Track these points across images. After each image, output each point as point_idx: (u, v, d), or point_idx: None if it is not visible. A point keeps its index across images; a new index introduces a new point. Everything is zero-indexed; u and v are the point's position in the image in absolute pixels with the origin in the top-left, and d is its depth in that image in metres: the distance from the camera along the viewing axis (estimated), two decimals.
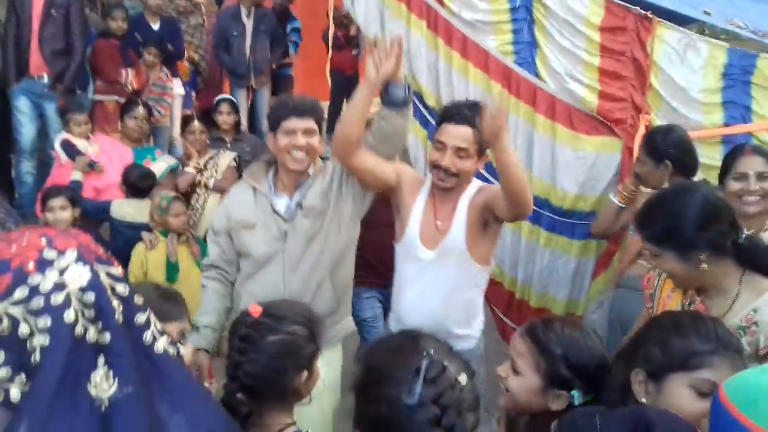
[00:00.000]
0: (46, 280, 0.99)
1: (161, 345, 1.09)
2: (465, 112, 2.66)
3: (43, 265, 0.99)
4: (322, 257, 2.71)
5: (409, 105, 2.69)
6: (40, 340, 0.97)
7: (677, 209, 2.01)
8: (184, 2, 6.75)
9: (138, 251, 4.00)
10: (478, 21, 4.17)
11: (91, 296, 1.00)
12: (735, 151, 2.89)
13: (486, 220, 2.74)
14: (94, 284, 1.01)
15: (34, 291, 0.98)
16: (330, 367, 2.58)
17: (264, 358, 1.65)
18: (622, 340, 3.19)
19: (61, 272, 1.00)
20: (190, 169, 4.70)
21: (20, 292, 0.97)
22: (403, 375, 1.24)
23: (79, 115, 4.81)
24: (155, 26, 6.33)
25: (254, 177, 2.78)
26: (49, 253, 1.01)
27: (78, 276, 1.00)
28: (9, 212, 3.70)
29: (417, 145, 4.40)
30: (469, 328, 2.89)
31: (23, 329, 0.97)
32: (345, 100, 9.21)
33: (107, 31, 5.96)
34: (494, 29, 4.17)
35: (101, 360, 1.01)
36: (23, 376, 0.96)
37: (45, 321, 0.97)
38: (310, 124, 2.65)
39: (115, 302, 1.03)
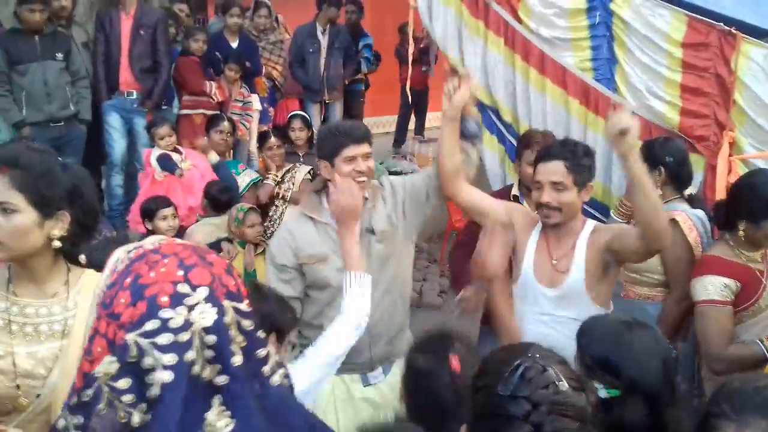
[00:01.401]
0: (177, 318, 1.01)
1: (277, 378, 1.11)
2: (554, 149, 2.74)
3: (176, 300, 1.02)
4: (396, 277, 2.81)
5: (481, 137, 2.88)
6: (164, 376, 0.99)
7: None
8: (263, 20, 6.95)
9: None
10: (556, 38, 4.19)
11: (212, 338, 1.03)
12: (760, 204, 2.73)
13: (607, 263, 2.67)
14: (218, 326, 1.03)
15: (164, 326, 1.01)
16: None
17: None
18: None
19: (190, 309, 1.02)
20: (269, 182, 4.86)
21: (151, 325, 1.01)
22: (504, 369, 1.28)
23: (161, 128, 5.01)
24: (234, 44, 6.54)
25: (310, 209, 2.79)
26: (183, 288, 1.04)
27: (205, 316, 1.03)
28: (103, 222, 3.91)
29: (494, 160, 4.45)
30: None
31: (148, 361, 1.00)
32: (414, 115, 9.36)
33: (188, 49, 6.21)
34: (573, 46, 4.18)
35: (216, 400, 1.03)
36: (144, 405, 1.00)
37: (172, 358, 1.00)
38: (368, 148, 2.70)
39: (240, 338, 1.06)
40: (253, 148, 6.29)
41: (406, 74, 6.29)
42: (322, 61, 6.96)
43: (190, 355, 1.01)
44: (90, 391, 1.00)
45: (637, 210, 2.48)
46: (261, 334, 1.11)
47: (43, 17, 5.14)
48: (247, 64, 6.42)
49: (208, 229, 4.42)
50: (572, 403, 1.26)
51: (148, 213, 4.08)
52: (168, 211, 4.02)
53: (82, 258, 1.85)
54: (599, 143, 4.06)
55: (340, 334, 2.12)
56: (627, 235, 2.61)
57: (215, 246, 4.19)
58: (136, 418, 0.99)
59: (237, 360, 1.05)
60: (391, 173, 7.44)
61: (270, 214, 4.88)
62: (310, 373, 2.01)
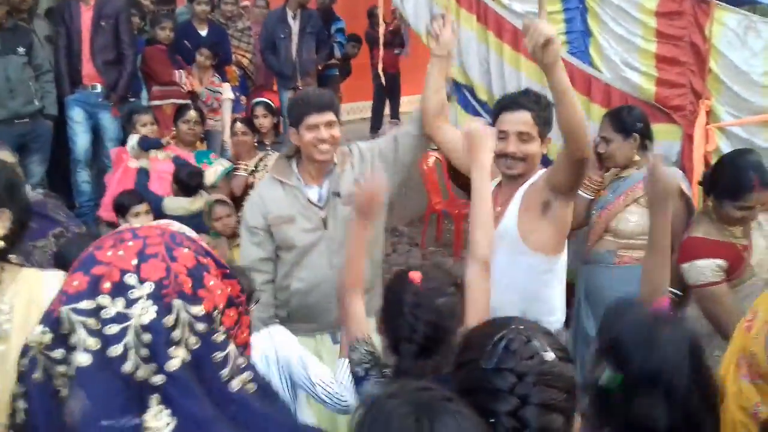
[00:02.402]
0: (112, 308, 0.98)
1: (237, 383, 1.06)
2: (520, 99, 2.71)
3: (117, 290, 0.99)
4: None
5: (451, 99, 2.85)
6: (82, 359, 0.97)
7: None
8: (230, 7, 6.82)
9: None
10: (529, 12, 4.12)
11: (148, 337, 0.98)
12: (742, 180, 2.73)
13: (546, 202, 2.61)
14: (156, 325, 0.99)
15: (97, 311, 0.98)
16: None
17: (437, 318, 1.75)
18: (590, 312, 3.30)
19: (129, 304, 0.98)
20: (241, 173, 4.76)
21: (86, 305, 0.98)
22: (487, 342, 1.26)
23: (145, 115, 4.92)
24: (203, 32, 6.40)
25: (280, 172, 2.90)
26: (131, 279, 1.00)
27: (144, 313, 0.98)
28: (70, 217, 3.79)
29: None
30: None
31: (74, 339, 0.97)
32: (387, 98, 9.27)
33: (154, 39, 6.07)
34: (546, 20, 4.12)
35: (155, 400, 0.98)
36: (65, 379, 0.98)
37: (95, 343, 0.97)
38: (331, 117, 2.77)
39: (193, 339, 1.01)
40: (226, 138, 6.17)
41: (377, 58, 6.21)
42: (294, 46, 6.84)
43: (115, 350, 0.96)
44: (25, 361, 0.99)
45: (563, 121, 2.38)
46: (220, 337, 1.05)
47: (3, 11, 4.98)
48: (218, 52, 6.30)
49: (182, 204, 4.35)
50: (558, 373, 1.24)
51: (121, 209, 3.97)
52: (141, 208, 3.91)
53: (15, 258, 1.76)
54: None
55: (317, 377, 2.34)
56: (555, 161, 2.61)
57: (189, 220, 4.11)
58: (65, 392, 0.97)
59: (175, 363, 0.99)
60: None
61: (244, 204, 4.77)
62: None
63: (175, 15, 6.88)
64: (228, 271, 1.12)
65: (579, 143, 2.40)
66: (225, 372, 1.04)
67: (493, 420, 1.18)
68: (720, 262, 2.79)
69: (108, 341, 0.96)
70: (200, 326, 1.02)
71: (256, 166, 4.81)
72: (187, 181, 4.39)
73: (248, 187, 4.76)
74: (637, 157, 3.28)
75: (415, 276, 1.80)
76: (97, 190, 5.48)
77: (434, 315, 1.74)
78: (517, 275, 2.63)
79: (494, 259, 2.58)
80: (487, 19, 4.19)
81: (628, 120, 3.28)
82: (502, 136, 2.65)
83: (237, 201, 4.73)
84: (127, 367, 0.97)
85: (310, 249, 2.81)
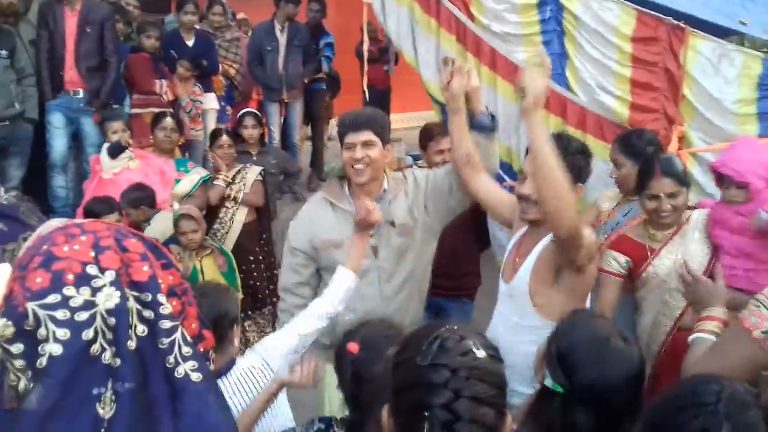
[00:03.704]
0: (79, 297, 1.04)
1: (183, 369, 1.12)
2: None
3: (81, 280, 1.05)
4: (414, 271, 2.83)
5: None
6: (54, 349, 1.01)
7: None
8: (218, 17, 6.84)
9: None
10: (507, 33, 4.18)
11: (113, 320, 1.05)
12: (647, 169, 2.87)
13: (558, 268, 2.39)
14: (120, 310, 1.06)
15: (64, 302, 1.03)
16: None
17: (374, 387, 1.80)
18: None
19: (95, 292, 1.05)
20: (219, 183, 4.74)
21: (52, 299, 1.03)
22: (423, 342, 1.30)
23: (115, 122, 4.87)
24: (190, 42, 6.40)
25: (332, 193, 2.84)
26: (92, 270, 1.06)
27: (109, 298, 1.06)
28: (43, 221, 3.77)
29: None
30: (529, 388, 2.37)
31: (42, 332, 1.01)
32: None
33: (139, 46, 6.07)
34: (524, 41, 4.17)
35: (110, 383, 1.05)
36: (29, 374, 1.01)
37: (65, 333, 1.02)
38: (368, 136, 2.68)
39: (141, 327, 1.08)
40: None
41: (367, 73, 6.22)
42: (281, 59, 6.86)
43: (86, 334, 1.03)
44: None
45: (537, 181, 2.22)
46: (166, 324, 1.12)
47: None
48: (204, 62, 6.31)
49: (163, 226, 4.31)
50: (489, 369, 1.29)
51: (92, 216, 3.96)
52: (112, 217, 3.90)
53: None
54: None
55: (312, 316, 2.37)
56: None
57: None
58: (21, 385, 1.01)
59: (132, 344, 1.07)
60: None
61: (220, 216, 4.76)
62: (279, 343, 2.33)
63: (164, 23, 6.89)
64: (166, 261, 1.19)
65: (554, 219, 2.19)
66: (171, 358, 1.11)
67: (427, 414, 1.23)
68: (621, 257, 2.93)
69: (79, 327, 1.02)
70: (147, 313, 1.09)
71: (233, 178, 4.81)
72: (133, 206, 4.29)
73: (225, 198, 4.75)
74: None
75: (353, 348, 1.87)
76: (76, 196, 5.47)
77: (372, 384, 1.79)
78: (523, 333, 2.44)
79: (506, 307, 2.56)
80: (466, 40, 4.22)
81: (639, 144, 3.23)
82: (522, 178, 2.48)
83: (212, 210, 4.74)
84: (96, 348, 1.04)
85: (360, 278, 2.62)
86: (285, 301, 2.89)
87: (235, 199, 4.75)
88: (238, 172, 4.83)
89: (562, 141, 2.43)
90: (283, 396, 2.35)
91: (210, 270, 4.16)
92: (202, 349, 1.21)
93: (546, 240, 2.41)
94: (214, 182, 4.73)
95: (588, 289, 2.49)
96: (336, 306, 2.41)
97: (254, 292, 4.75)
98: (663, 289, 2.89)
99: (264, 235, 5.04)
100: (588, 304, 2.57)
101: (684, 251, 2.87)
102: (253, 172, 4.84)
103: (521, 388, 2.28)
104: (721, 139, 3.72)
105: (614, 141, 3.44)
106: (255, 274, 4.77)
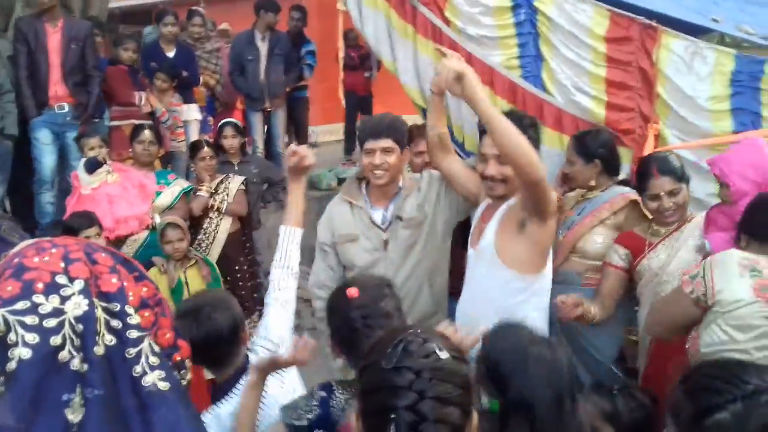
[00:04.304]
0: (48, 305, 1.08)
1: (150, 378, 1.15)
2: None
3: (51, 289, 1.09)
4: (421, 264, 2.96)
5: None
6: (23, 353, 1.05)
7: None
8: (197, 29, 6.85)
9: (151, 276, 4.05)
10: (483, 36, 4.19)
11: (81, 327, 1.09)
12: (644, 171, 3.03)
13: (522, 221, 2.63)
14: (88, 317, 1.10)
15: (33, 309, 1.07)
16: None
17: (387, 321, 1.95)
18: (557, 332, 3.30)
19: (63, 300, 1.09)
20: (203, 193, 4.74)
21: (21, 305, 1.07)
22: (388, 346, 1.33)
23: (91, 139, 4.89)
24: (170, 53, 6.42)
25: (349, 193, 3.06)
26: (61, 279, 1.11)
27: (77, 306, 1.10)
28: (25, 239, 3.76)
29: None
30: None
31: (12, 336, 1.05)
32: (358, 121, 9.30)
33: (117, 59, 6.07)
34: (500, 44, 4.18)
35: (79, 388, 1.08)
36: (2, 378, 1.04)
37: (34, 337, 1.06)
38: (387, 143, 2.86)
39: (108, 337, 1.12)
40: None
41: (345, 79, 6.24)
42: (262, 68, 6.87)
43: (54, 340, 1.07)
44: None
45: (499, 148, 2.48)
46: (133, 333, 1.15)
47: None
48: (184, 73, 6.32)
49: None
50: (452, 370, 1.31)
51: (71, 231, 3.95)
52: (91, 231, 3.90)
53: None
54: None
55: (287, 281, 2.46)
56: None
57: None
58: None
59: (99, 351, 1.11)
60: (340, 180, 7.39)
61: (204, 226, 4.77)
62: (277, 319, 2.40)
63: (143, 35, 6.89)
64: (138, 274, 1.24)
65: (522, 167, 2.43)
66: (138, 368, 1.15)
67: (393, 416, 1.25)
68: (622, 250, 3.12)
69: (48, 333, 1.06)
70: (115, 323, 1.14)
71: (216, 189, 4.82)
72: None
73: (209, 209, 4.76)
74: (593, 182, 3.40)
75: (353, 292, 1.96)
76: (58, 211, 5.45)
77: (384, 319, 1.93)
78: (492, 290, 2.69)
79: (475, 271, 2.78)
80: (442, 44, 4.21)
81: (592, 145, 3.38)
82: (483, 158, 2.74)
83: (196, 221, 4.74)
84: (64, 355, 1.07)
85: (370, 269, 2.91)
86: (321, 298, 2.94)
87: (218, 209, 4.76)
88: (221, 182, 4.84)
89: (514, 117, 2.60)
90: (294, 373, 2.38)
91: (195, 281, 4.17)
92: (178, 358, 1.25)
93: (510, 202, 2.71)
94: (197, 193, 4.74)
95: (549, 243, 2.72)
96: (296, 263, 2.49)
97: (240, 301, 4.70)
98: (655, 282, 2.99)
99: (248, 245, 5.05)
100: (549, 267, 2.77)
101: (676, 253, 2.97)
102: (236, 182, 4.86)
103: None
104: (697, 135, 3.76)
105: (570, 138, 3.58)
106: (240, 283, 4.79)
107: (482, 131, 2.72)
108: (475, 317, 2.55)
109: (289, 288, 2.46)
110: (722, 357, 2.02)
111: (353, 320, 1.94)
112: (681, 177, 2.96)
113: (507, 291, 2.67)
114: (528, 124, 2.70)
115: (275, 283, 2.46)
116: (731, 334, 2.24)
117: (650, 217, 3.13)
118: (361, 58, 8.39)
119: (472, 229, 2.91)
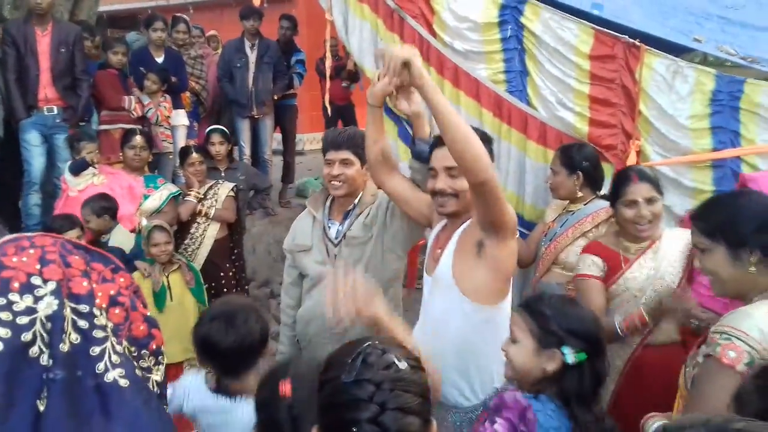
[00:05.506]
0: (21, 303, 1.16)
1: (112, 375, 1.22)
2: None
3: (25, 289, 1.17)
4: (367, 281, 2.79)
5: (394, 134, 2.88)
6: None
7: (739, 205, 2.01)
8: (181, 35, 6.89)
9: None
10: (470, 51, 4.25)
11: (49, 325, 1.17)
12: (622, 177, 3.01)
13: (479, 241, 2.44)
14: (57, 316, 1.18)
15: (8, 306, 1.14)
16: None
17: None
18: None
19: (37, 300, 1.17)
20: (191, 198, 4.76)
21: None
22: (347, 359, 1.34)
23: (91, 143, 4.94)
24: (159, 59, 6.45)
25: (313, 204, 3.13)
26: (36, 280, 1.18)
27: (48, 306, 1.18)
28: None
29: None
30: (465, 379, 2.51)
31: None
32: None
33: (106, 63, 6.08)
34: (486, 58, 4.24)
35: (45, 376, 1.16)
36: None
37: (6, 331, 1.13)
38: (346, 155, 2.89)
39: (74, 336, 1.20)
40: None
41: (324, 90, 6.28)
42: (251, 75, 6.91)
43: (26, 336, 1.14)
44: None
45: (448, 144, 2.24)
46: (99, 333, 1.22)
47: None
48: (173, 79, 6.34)
49: (121, 239, 4.32)
50: (412, 380, 1.34)
51: (53, 233, 3.96)
52: (73, 233, 3.91)
53: None
54: (512, 154, 4.13)
55: None
56: None
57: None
58: None
59: (65, 348, 1.18)
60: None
61: (191, 231, 4.78)
62: None
63: (126, 41, 6.90)
64: (114, 266, 1.31)
65: (469, 167, 2.22)
66: (101, 365, 1.21)
67: (355, 429, 1.26)
68: (599, 260, 2.96)
69: (20, 329, 1.14)
70: (82, 323, 1.21)
71: (205, 194, 4.84)
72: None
73: (197, 214, 4.77)
74: (580, 194, 3.50)
75: (286, 389, 1.74)
76: (45, 213, 5.45)
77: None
78: (452, 321, 2.49)
79: (432, 299, 2.59)
80: (429, 57, 4.29)
81: (576, 157, 3.49)
82: (433, 173, 2.54)
83: (183, 226, 4.75)
84: (34, 350, 1.15)
85: (318, 281, 2.95)
86: (283, 301, 3.27)
87: (206, 214, 4.78)
88: (210, 188, 4.87)
89: None
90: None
91: (178, 286, 4.19)
92: (154, 347, 1.33)
93: (464, 225, 2.54)
94: (186, 198, 4.76)
95: (510, 269, 2.51)
96: None
97: None
98: (633, 304, 2.86)
99: (236, 251, 5.07)
100: (509, 298, 2.56)
101: (657, 267, 2.90)
102: (225, 188, 4.89)
103: (456, 378, 2.51)
104: (677, 152, 3.84)
105: (557, 149, 3.66)
106: (225, 290, 4.80)
107: (432, 145, 2.58)
108: (432, 353, 2.09)
109: None
110: None
111: (281, 422, 1.74)
112: (658, 187, 2.94)
113: (468, 325, 2.47)
114: (482, 139, 2.39)
115: None
116: None
117: (624, 228, 2.98)
118: (336, 69, 8.43)
119: (426, 254, 2.74)
